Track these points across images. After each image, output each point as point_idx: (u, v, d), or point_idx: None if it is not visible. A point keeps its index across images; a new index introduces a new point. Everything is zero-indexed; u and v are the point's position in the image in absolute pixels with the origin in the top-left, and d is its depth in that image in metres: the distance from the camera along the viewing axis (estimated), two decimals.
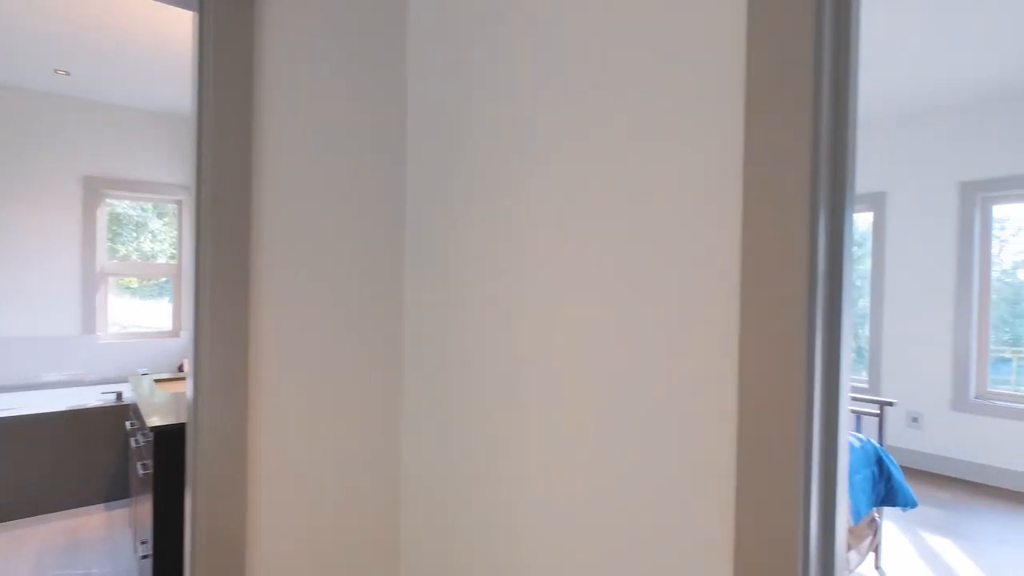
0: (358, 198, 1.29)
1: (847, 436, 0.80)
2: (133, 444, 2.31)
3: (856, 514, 2.26)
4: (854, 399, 2.67)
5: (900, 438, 3.87)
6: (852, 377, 4.20)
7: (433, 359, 1.28)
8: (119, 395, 3.02)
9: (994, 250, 3.62)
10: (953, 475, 3.62)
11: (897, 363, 3.89)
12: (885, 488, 2.44)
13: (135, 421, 2.22)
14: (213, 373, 1.14)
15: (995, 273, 3.62)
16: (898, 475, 2.47)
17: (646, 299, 0.85)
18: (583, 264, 0.93)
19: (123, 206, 4.09)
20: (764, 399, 0.74)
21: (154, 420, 1.71)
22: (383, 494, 1.36)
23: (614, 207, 0.89)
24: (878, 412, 2.56)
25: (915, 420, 3.80)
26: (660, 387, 0.83)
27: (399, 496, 1.39)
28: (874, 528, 2.50)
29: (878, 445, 2.53)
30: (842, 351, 0.75)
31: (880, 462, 2.47)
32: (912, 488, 3.42)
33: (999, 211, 3.59)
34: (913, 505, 2.43)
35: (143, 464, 1.91)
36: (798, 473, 0.72)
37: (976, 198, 3.55)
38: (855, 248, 4.13)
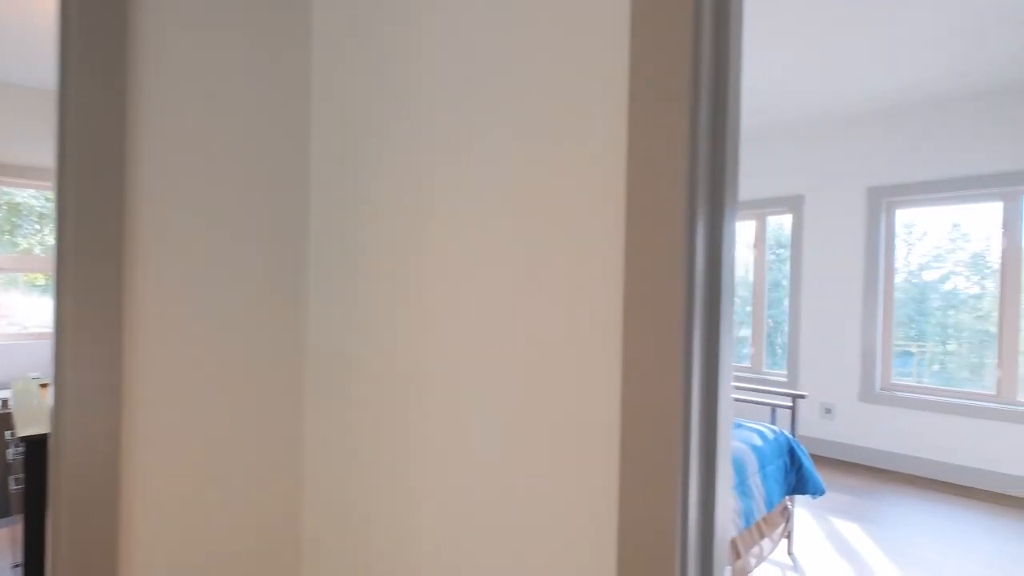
0: (257, 183, 1.20)
1: (729, 435, 0.80)
2: (11, 456, 2.09)
3: (769, 503, 2.35)
4: (769, 392, 2.78)
5: (815, 428, 4.09)
6: (773, 372, 4.40)
7: (336, 358, 1.21)
8: (4, 402, 2.74)
9: (903, 253, 3.89)
10: (862, 462, 3.86)
11: (813, 358, 4.11)
12: (796, 477, 2.55)
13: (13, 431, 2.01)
14: (78, 377, 1.02)
15: (903, 275, 3.89)
16: (808, 464, 2.59)
17: (534, 298, 0.82)
18: (479, 264, 0.90)
19: (24, 195, 3.73)
20: (643, 399, 0.73)
21: (27, 429, 1.54)
22: (283, 501, 1.28)
23: (506, 208, 0.86)
24: (791, 405, 2.68)
25: (828, 411, 4.02)
26: (547, 386, 0.81)
27: (302, 503, 1.30)
28: (787, 516, 2.61)
29: (790, 436, 2.64)
30: (721, 350, 0.74)
31: (792, 452, 2.59)
32: (825, 476, 3.62)
33: (902, 215, 3.86)
34: (821, 492, 2.56)
35: (16, 479, 1.73)
36: (675, 464, 0.70)
37: (882, 202, 3.80)
38: (781, 250, 4.34)
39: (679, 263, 0.68)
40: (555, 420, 0.81)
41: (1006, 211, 3.41)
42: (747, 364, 4.60)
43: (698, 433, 0.73)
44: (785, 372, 4.30)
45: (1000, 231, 3.44)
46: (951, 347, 3.70)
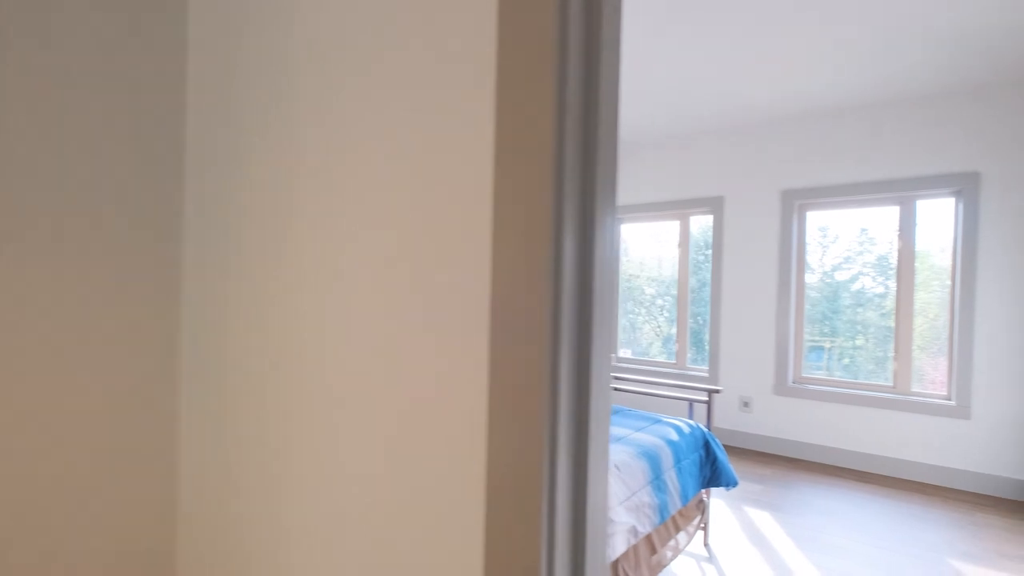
0: (121, 167, 1.04)
1: (604, 436, 0.75)
2: None
3: (684, 497, 2.38)
4: (688, 388, 2.83)
5: (734, 421, 4.24)
6: (697, 367, 4.53)
7: (212, 358, 1.08)
8: None
9: (817, 254, 4.10)
10: (777, 453, 4.03)
11: (732, 354, 4.26)
12: (711, 470, 2.61)
13: None
14: None
15: (818, 275, 4.11)
16: (722, 457, 2.65)
17: (403, 304, 0.75)
18: (348, 268, 0.81)
19: None
20: (509, 405, 0.66)
21: None
22: (155, 507, 1.12)
23: (374, 210, 0.78)
24: (707, 400, 2.74)
25: (746, 404, 4.18)
26: (417, 397, 0.74)
27: (175, 511, 1.15)
28: (702, 508, 2.66)
29: (706, 430, 2.70)
30: (593, 352, 0.69)
31: (707, 446, 2.64)
32: (740, 467, 3.75)
33: (813, 217, 4.07)
34: (735, 484, 2.63)
35: None
36: (540, 476, 0.64)
37: (794, 205, 3.99)
38: (710, 251, 4.46)
39: (545, 266, 0.63)
40: (421, 432, 0.74)
41: (902, 215, 3.66)
42: (672, 360, 4.72)
43: (568, 437, 0.68)
44: (706, 368, 4.44)
45: (896, 234, 3.70)
46: (859, 342, 3.93)
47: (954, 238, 3.47)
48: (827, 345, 4.15)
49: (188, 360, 1.13)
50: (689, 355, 4.65)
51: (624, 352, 5.12)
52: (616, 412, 2.85)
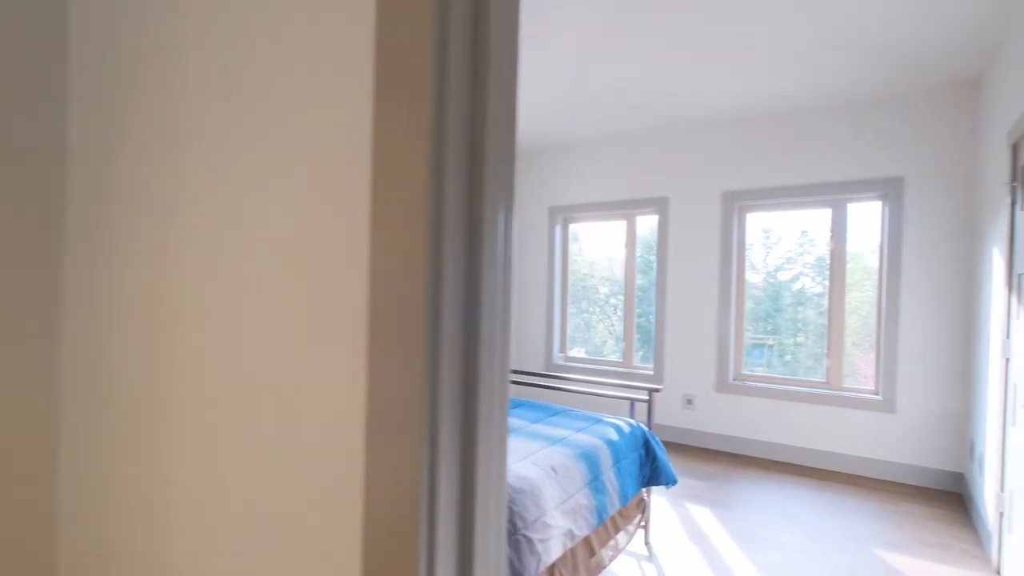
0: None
1: (501, 445, 0.69)
2: None
3: (624, 497, 2.37)
4: (630, 387, 2.83)
5: (678, 418, 4.31)
6: (644, 366, 4.58)
7: (95, 353, 0.96)
8: None
9: (761, 255, 4.22)
10: (720, 449, 4.11)
11: (677, 352, 4.32)
12: (651, 469, 2.61)
13: None
14: None
15: (762, 275, 4.23)
16: (662, 456, 2.66)
17: (277, 308, 0.67)
18: (228, 266, 0.73)
19: None
20: (385, 426, 0.60)
21: None
22: (34, 507, 0.99)
23: (251, 209, 0.69)
24: (647, 399, 2.74)
25: (689, 402, 4.25)
26: (292, 403, 0.66)
27: (56, 512, 1.02)
28: (642, 507, 2.66)
29: (647, 429, 2.70)
30: (481, 365, 0.63)
31: (647, 444, 2.64)
32: (684, 464, 3.81)
33: (753, 219, 4.17)
34: (674, 482, 2.64)
35: None
36: (418, 484, 0.57)
37: (735, 206, 4.09)
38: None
39: (421, 274, 0.57)
40: (298, 442, 0.66)
41: (833, 218, 3.80)
42: (619, 359, 4.75)
43: (451, 457, 0.61)
44: (651, 366, 4.49)
45: (829, 235, 3.83)
46: (800, 339, 4.06)
47: (880, 240, 3.62)
48: (769, 343, 4.27)
49: (71, 355, 1.01)
50: (640, 353, 4.69)
51: (578, 351, 5.12)
52: (557, 413, 2.81)
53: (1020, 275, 2.18)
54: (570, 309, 5.12)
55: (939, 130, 3.34)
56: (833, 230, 3.81)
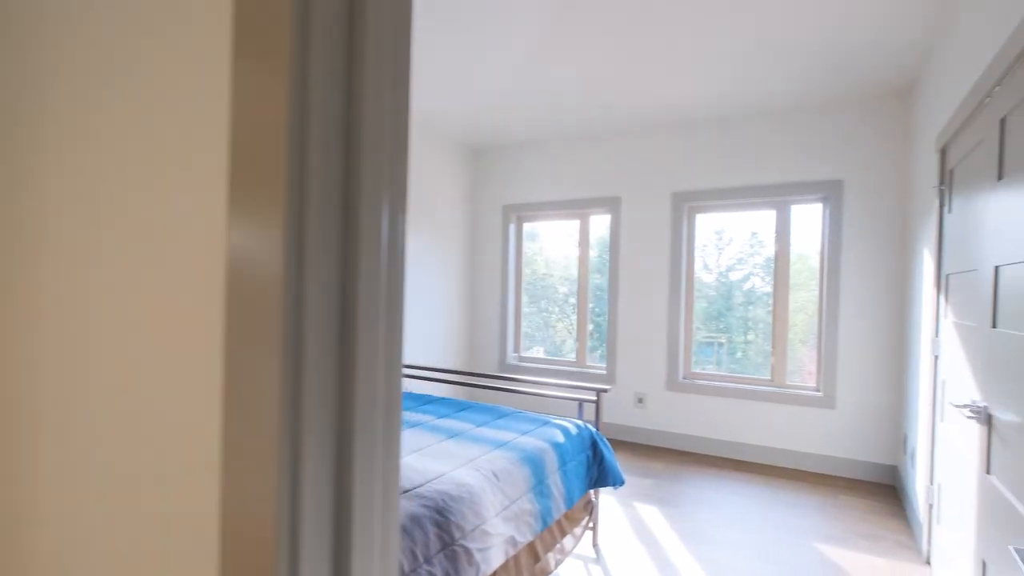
0: None
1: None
2: None
3: (570, 500, 2.33)
4: (576, 387, 2.79)
5: (629, 417, 4.32)
6: (598, 365, 4.57)
7: None
8: None
9: (714, 256, 4.28)
10: (670, 447, 4.15)
11: (629, 351, 4.34)
12: (599, 470, 2.58)
13: None
14: None
15: (715, 274, 4.29)
16: (609, 457, 2.63)
17: (126, 299, 0.57)
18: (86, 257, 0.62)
19: None
20: (242, 445, 0.51)
21: None
22: None
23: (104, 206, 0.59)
24: (595, 399, 2.72)
25: (641, 400, 4.27)
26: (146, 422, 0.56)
27: None
28: (590, 509, 2.63)
29: (594, 430, 2.67)
30: (359, 376, 0.55)
31: (595, 446, 2.61)
32: (633, 462, 3.82)
33: (704, 220, 4.23)
34: (621, 483, 2.62)
35: None
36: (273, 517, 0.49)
37: (684, 207, 4.13)
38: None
39: (281, 270, 0.48)
40: (145, 450, 0.56)
41: (778, 219, 3.88)
42: (573, 358, 4.74)
43: (324, 462, 0.53)
44: (604, 365, 4.50)
45: (774, 236, 3.92)
46: (751, 337, 4.14)
47: (822, 242, 3.73)
48: (721, 340, 4.34)
49: None
50: (597, 353, 4.68)
51: (537, 351, 5.07)
52: (504, 415, 2.75)
53: (948, 275, 2.26)
54: (529, 308, 5.08)
55: (875, 135, 3.46)
56: (778, 231, 3.89)
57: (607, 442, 2.68)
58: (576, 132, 4.46)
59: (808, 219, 3.85)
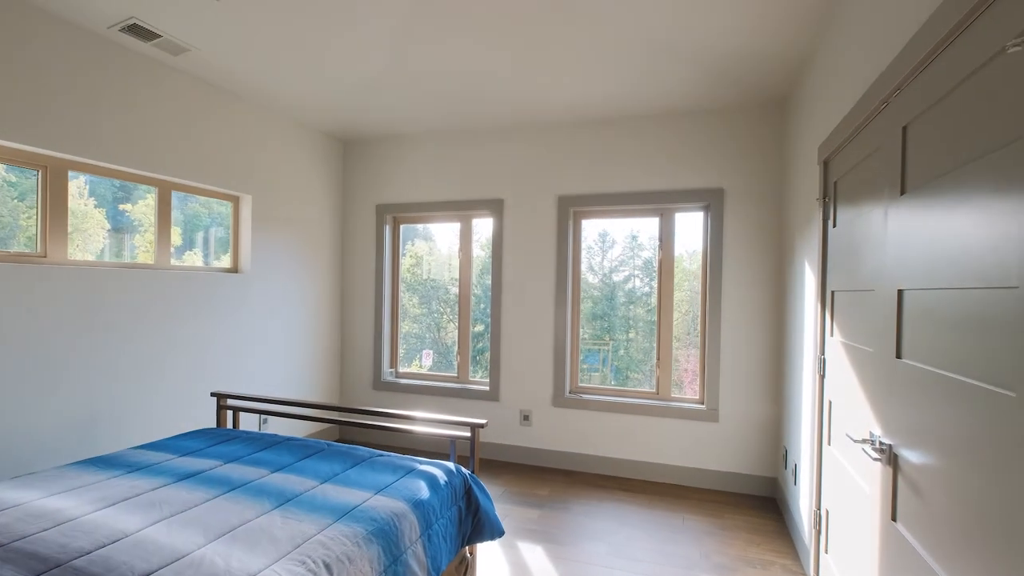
0: None
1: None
2: None
3: (437, 569, 1.89)
4: (445, 423, 2.36)
5: (515, 436, 3.99)
6: (481, 381, 4.19)
7: None
8: None
9: (599, 258, 4.08)
10: (557, 466, 3.88)
11: (513, 365, 4.00)
12: (473, 523, 2.17)
13: None
14: None
15: (600, 276, 4.09)
16: (487, 505, 2.23)
17: None
18: None
19: None
20: None
21: None
22: None
23: None
24: (469, 435, 2.31)
25: (527, 418, 3.96)
26: None
27: None
28: (465, 565, 2.22)
29: (468, 474, 2.26)
30: None
31: (469, 494, 2.20)
32: (517, 487, 3.48)
33: (591, 224, 4.01)
34: (500, 535, 2.24)
35: None
36: None
37: (570, 211, 3.88)
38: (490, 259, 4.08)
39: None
40: None
41: (661, 226, 3.76)
42: (454, 374, 4.31)
43: None
44: (487, 381, 4.13)
45: (657, 244, 3.79)
46: (632, 335, 4.03)
47: (703, 250, 3.66)
48: (607, 346, 4.17)
49: None
50: (484, 366, 4.29)
51: (415, 367, 4.56)
52: (360, 462, 2.24)
53: (834, 292, 2.16)
54: (420, 310, 4.56)
55: (756, 144, 3.43)
56: (662, 239, 3.77)
57: (483, 487, 2.28)
58: (455, 128, 4.03)
59: (691, 226, 3.77)
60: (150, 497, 1.83)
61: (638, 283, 4.11)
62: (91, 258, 2.87)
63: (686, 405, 3.63)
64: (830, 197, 2.25)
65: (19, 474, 2.35)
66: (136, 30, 2.57)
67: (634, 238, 4.06)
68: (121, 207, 3.05)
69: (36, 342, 2.43)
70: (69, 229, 2.67)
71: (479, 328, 4.37)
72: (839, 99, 2.12)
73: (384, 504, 1.84)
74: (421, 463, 2.24)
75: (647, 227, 3.94)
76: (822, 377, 2.28)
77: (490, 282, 4.11)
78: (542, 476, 3.74)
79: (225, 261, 3.60)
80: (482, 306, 4.33)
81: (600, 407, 3.78)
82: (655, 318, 3.84)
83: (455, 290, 4.39)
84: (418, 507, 1.89)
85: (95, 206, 2.93)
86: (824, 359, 2.26)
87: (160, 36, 2.63)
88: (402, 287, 4.57)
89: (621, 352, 4.16)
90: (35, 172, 2.55)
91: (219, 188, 3.37)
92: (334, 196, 4.41)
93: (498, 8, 2.31)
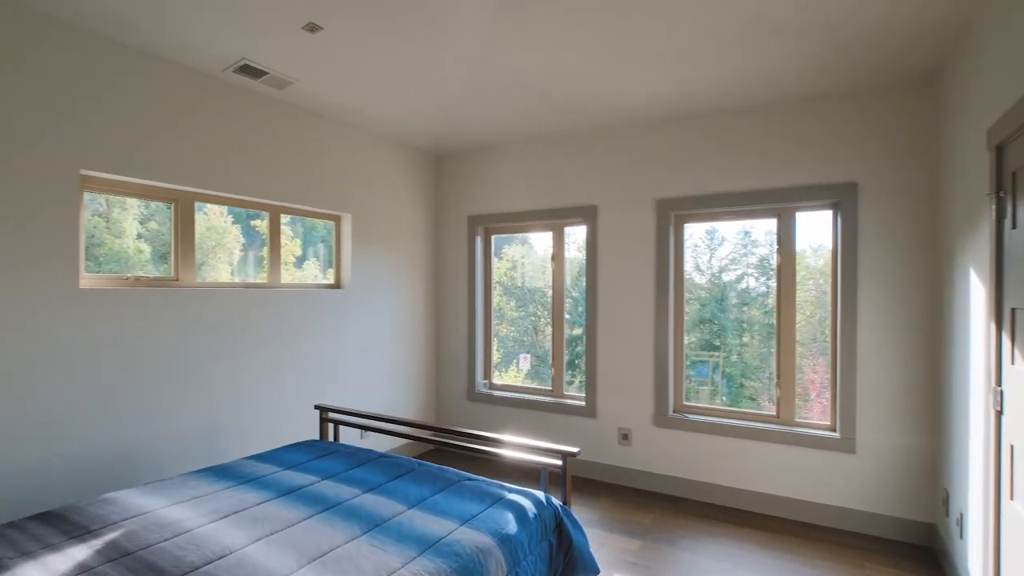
0: None
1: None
2: None
3: None
4: (536, 449, 2.23)
5: (613, 455, 3.77)
6: (579, 395, 4.02)
7: None
8: None
9: (706, 255, 3.77)
10: (660, 491, 3.60)
11: (610, 379, 3.79)
12: (565, 560, 2.02)
13: None
14: None
15: (707, 276, 3.81)
16: (580, 540, 2.07)
17: None
18: None
19: None
20: None
21: None
22: None
23: None
24: (560, 464, 2.16)
25: (625, 437, 3.73)
26: None
27: None
28: None
29: (560, 506, 2.11)
30: None
31: (560, 528, 2.05)
32: (616, 512, 3.26)
33: (692, 229, 3.69)
34: (596, 573, 2.07)
35: None
36: None
37: (670, 216, 3.59)
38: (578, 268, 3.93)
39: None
40: None
41: (779, 228, 3.35)
42: (548, 388, 4.18)
43: None
44: (583, 395, 3.94)
45: (775, 247, 3.38)
46: (746, 339, 3.77)
47: (833, 254, 3.19)
48: (712, 357, 3.83)
49: None
50: (580, 379, 4.13)
51: (523, 361, 4.49)
52: (449, 486, 2.18)
53: (1015, 310, 1.72)
54: (517, 313, 4.53)
55: (895, 131, 2.92)
56: (780, 242, 3.35)
57: (576, 520, 2.12)
58: (543, 135, 3.91)
59: (814, 224, 3.32)
60: (255, 512, 1.91)
61: (752, 283, 3.73)
62: (229, 269, 3.18)
63: (814, 432, 3.18)
64: (1006, 191, 1.81)
65: (152, 478, 2.60)
66: (246, 69, 2.76)
67: (747, 234, 3.68)
68: (252, 223, 3.32)
69: (169, 357, 2.68)
70: (212, 243, 3.00)
71: (577, 331, 4.21)
72: (1016, 70, 1.69)
73: (470, 538, 1.75)
74: (510, 491, 2.13)
75: (762, 224, 3.54)
76: (999, 413, 1.84)
77: (585, 285, 3.93)
78: (643, 501, 3.48)
79: (329, 277, 3.78)
80: (580, 309, 4.16)
81: (709, 429, 3.44)
82: (772, 320, 3.43)
83: (551, 293, 4.26)
84: (505, 543, 1.78)
85: (232, 222, 3.22)
86: (1002, 391, 1.82)
87: (267, 73, 2.80)
88: (499, 289, 4.55)
89: (734, 358, 3.79)
90: (168, 205, 2.83)
91: (323, 209, 3.54)
92: (427, 209, 4.49)
93: (575, 3, 2.15)
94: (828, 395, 3.23)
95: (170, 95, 2.67)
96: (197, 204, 2.91)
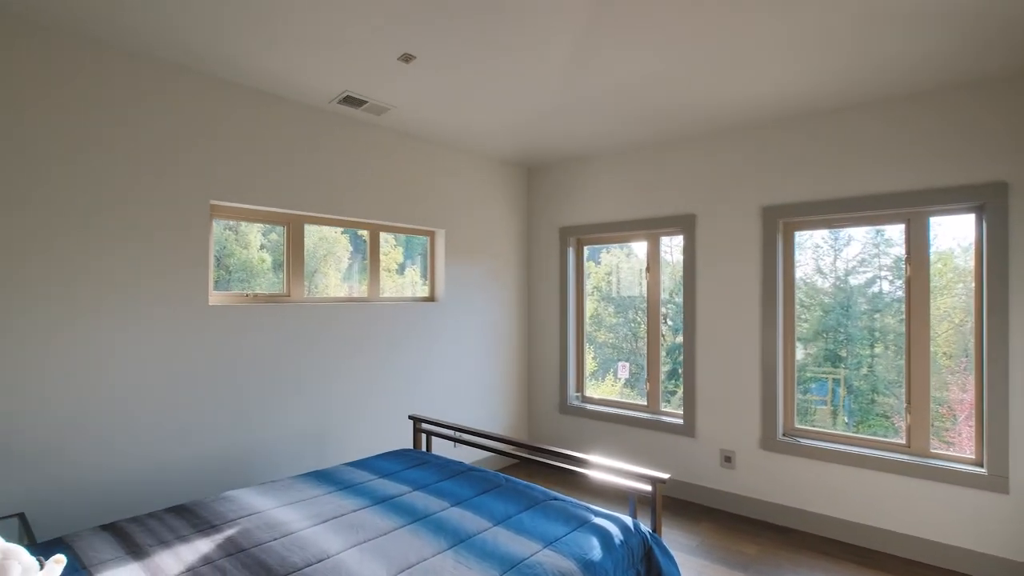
0: None
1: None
2: None
3: None
4: (627, 473, 2.15)
5: (714, 479, 3.55)
6: (670, 412, 3.84)
7: None
8: None
9: (829, 257, 3.49)
10: (767, 520, 3.33)
11: (711, 397, 3.57)
12: None
13: None
14: None
15: (831, 280, 3.49)
16: (670, 570, 1.97)
17: None
18: None
19: None
20: None
21: None
22: None
23: None
24: (651, 490, 2.06)
25: (728, 460, 3.49)
26: None
27: None
28: None
29: (649, 533, 2.02)
30: None
31: (649, 557, 1.96)
32: (718, 540, 3.05)
33: (803, 237, 3.39)
34: None
35: None
36: None
37: (778, 223, 3.31)
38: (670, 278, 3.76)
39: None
40: None
41: (910, 235, 2.96)
42: (644, 403, 4.03)
43: None
44: (681, 412, 3.75)
45: (904, 258, 2.99)
46: (879, 349, 3.40)
47: (977, 261, 2.77)
48: (833, 374, 3.48)
49: None
50: (679, 395, 3.96)
51: (622, 370, 4.40)
52: (534, 504, 2.17)
53: None
54: (616, 319, 4.45)
55: None
56: (909, 251, 2.97)
57: (666, 549, 2.02)
58: (636, 143, 3.79)
59: (952, 228, 2.90)
60: (351, 519, 2.02)
61: (887, 286, 3.33)
62: (338, 276, 3.44)
63: (955, 466, 2.76)
64: None
65: (265, 478, 2.86)
66: (349, 100, 2.97)
67: (879, 232, 3.29)
68: (359, 232, 3.57)
69: (283, 367, 2.94)
70: (323, 252, 3.29)
71: (677, 339, 4.01)
72: None
73: (552, 562, 1.72)
74: (596, 514, 2.08)
75: (895, 235, 3.15)
76: None
77: (683, 296, 3.75)
78: (748, 530, 3.23)
79: (425, 288, 3.95)
80: (681, 316, 3.97)
81: (824, 456, 3.12)
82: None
83: (646, 305, 4.10)
84: (588, 569, 1.73)
85: (341, 232, 3.49)
86: None
87: (367, 102, 3.00)
88: (596, 295, 4.49)
89: (864, 371, 3.39)
90: (282, 228, 3.12)
91: (418, 226, 3.71)
92: (519, 222, 4.54)
93: (670, 5, 2.06)
94: (974, 423, 2.80)
95: (282, 128, 2.94)
96: (306, 226, 3.18)
